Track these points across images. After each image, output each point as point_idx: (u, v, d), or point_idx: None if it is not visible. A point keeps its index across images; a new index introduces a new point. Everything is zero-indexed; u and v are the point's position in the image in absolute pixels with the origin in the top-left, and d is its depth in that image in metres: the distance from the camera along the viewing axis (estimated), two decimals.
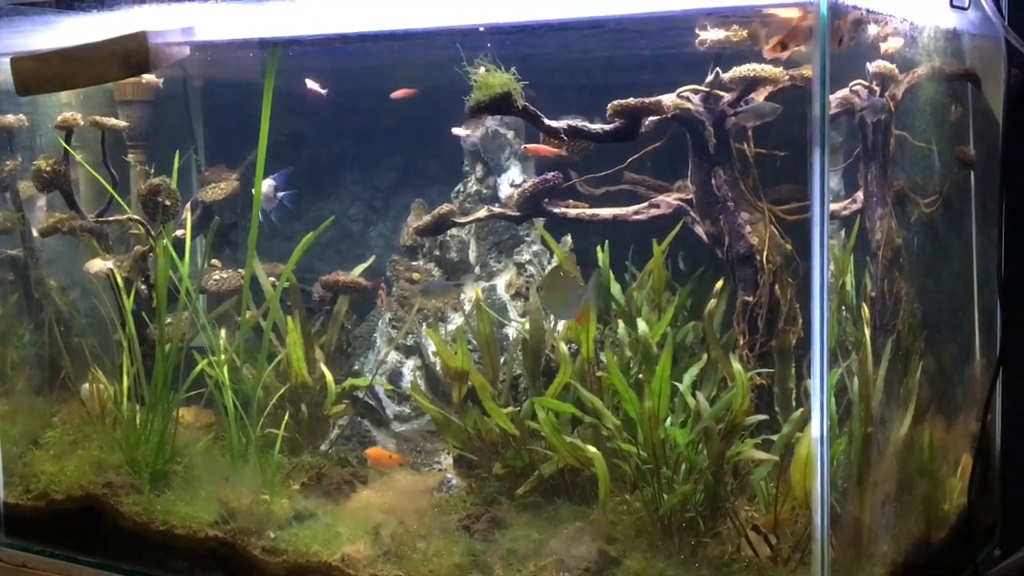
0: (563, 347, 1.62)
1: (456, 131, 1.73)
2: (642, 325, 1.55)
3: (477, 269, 1.90)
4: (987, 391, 1.65)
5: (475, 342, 1.75)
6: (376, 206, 2.11)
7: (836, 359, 1.34)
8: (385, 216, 2.09)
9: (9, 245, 2.03)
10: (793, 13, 1.29)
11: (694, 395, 1.46)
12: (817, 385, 1.23)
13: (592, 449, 1.48)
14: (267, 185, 1.90)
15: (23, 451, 1.96)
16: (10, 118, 1.96)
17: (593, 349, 1.60)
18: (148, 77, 1.94)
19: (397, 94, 1.79)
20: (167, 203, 1.88)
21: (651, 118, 1.51)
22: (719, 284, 1.55)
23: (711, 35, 1.47)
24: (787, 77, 1.42)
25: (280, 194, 1.90)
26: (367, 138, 2.07)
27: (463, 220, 1.74)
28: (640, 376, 1.54)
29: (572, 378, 1.59)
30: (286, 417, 1.81)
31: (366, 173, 2.11)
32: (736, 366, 1.44)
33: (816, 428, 1.24)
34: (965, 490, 1.60)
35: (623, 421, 1.52)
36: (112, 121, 1.94)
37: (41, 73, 1.79)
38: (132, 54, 1.69)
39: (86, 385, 1.99)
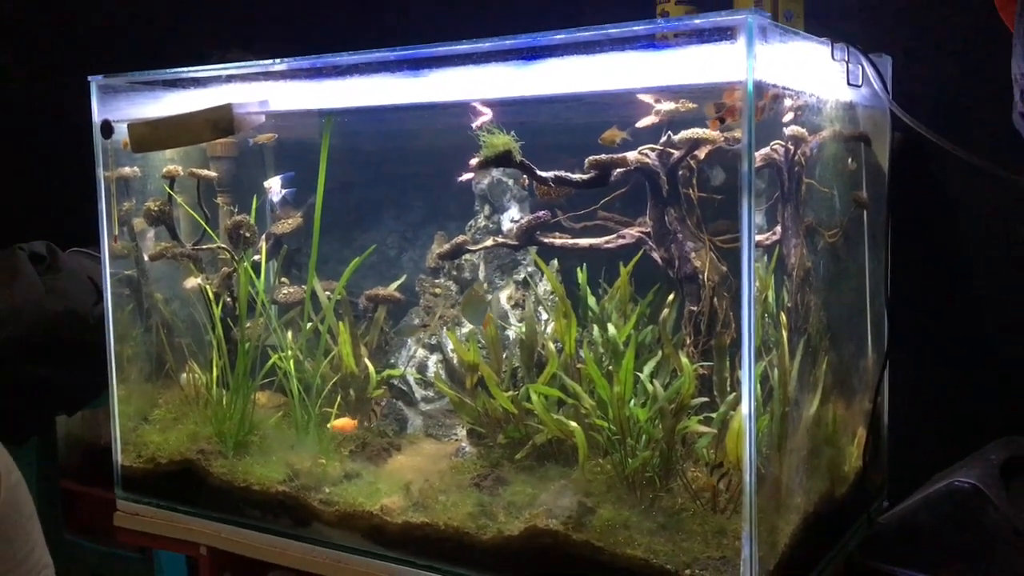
0: (551, 345, 1.61)
1: (461, 178, 1.72)
2: (611, 329, 1.55)
3: (485, 285, 1.88)
4: (877, 379, 1.64)
5: (483, 341, 1.74)
6: (408, 237, 2.09)
7: (761, 354, 1.33)
8: (415, 244, 2.07)
9: (126, 267, 2.00)
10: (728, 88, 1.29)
11: (652, 382, 1.45)
12: (746, 374, 1.22)
13: (573, 424, 1.47)
14: (274, 182, 1.91)
15: (136, 426, 1.94)
16: (127, 170, 1.93)
17: (574, 347, 1.59)
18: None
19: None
20: (247, 235, 1.88)
21: (618, 170, 1.50)
22: (671, 297, 1.54)
23: (664, 106, 1.47)
24: (723, 139, 1.42)
25: (284, 190, 1.92)
26: (401, 185, 2.06)
27: (475, 248, 1.73)
28: (610, 368, 1.53)
29: (558, 369, 1.59)
30: (338, 399, 1.80)
31: (400, 211, 2.09)
32: (684, 360, 1.43)
33: (745, 407, 1.23)
34: (861, 456, 1.59)
35: (597, 402, 1.50)
36: (205, 172, 1.93)
37: (151, 136, 1.79)
38: (221, 121, 1.69)
39: (184, 374, 1.98)
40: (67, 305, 2.09)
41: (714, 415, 1.40)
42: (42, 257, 2.13)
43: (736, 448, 1.29)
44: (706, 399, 1.43)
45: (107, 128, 1.84)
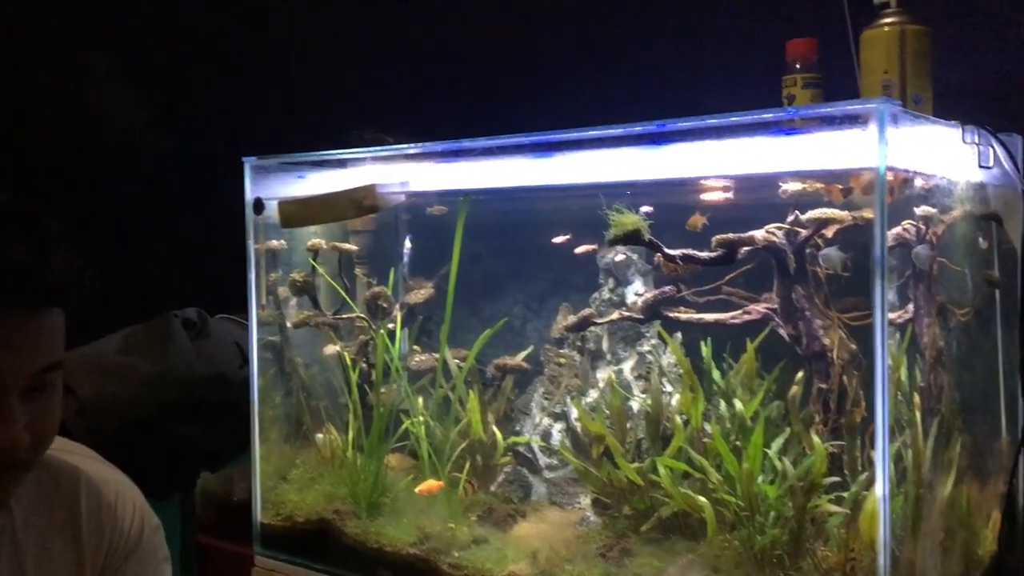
0: (677, 419, 1.62)
1: (577, 251, 1.77)
2: (738, 404, 1.55)
3: (608, 356, 1.91)
4: (1012, 461, 1.59)
5: (607, 412, 1.76)
6: (532, 308, 2.13)
7: (894, 434, 1.32)
8: (539, 315, 2.12)
9: (270, 333, 2.10)
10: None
11: (781, 459, 1.44)
12: (880, 455, 1.21)
13: (702, 499, 1.47)
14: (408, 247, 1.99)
15: (275, 484, 2.02)
16: (275, 243, 2.04)
17: (700, 421, 1.60)
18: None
19: (558, 240, 1.82)
20: (384, 305, 1.96)
21: (745, 248, 1.52)
22: (799, 374, 1.53)
23: (791, 187, 1.48)
24: (851, 218, 1.42)
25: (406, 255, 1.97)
26: (526, 258, 2.11)
27: (601, 321, 1.76)
28: (737, 443, 1.53)
29: (684, 443, 1.59)
30: (467, 465, 1.84)
31: (525, 283, 2.14)
32: (814, 438, 1.42)
33: (879, 488, 1.21)
34: (996, 539, 1.54)
35: (724, 477, 1.51)
36: (346, 246, 2.03)
37: (299, 213, 1.90)
38: (364, 200, 1.78)
39: (320, 435, 2.06)
40: (215, 368, 2.21)
41: (846, 495, 1.38)
42: (193, 323, 2.27)
43: (870, 529, 1.26)
44: (837, 478, 1.41)
45: (259, 205, 1.96)
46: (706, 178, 1.53)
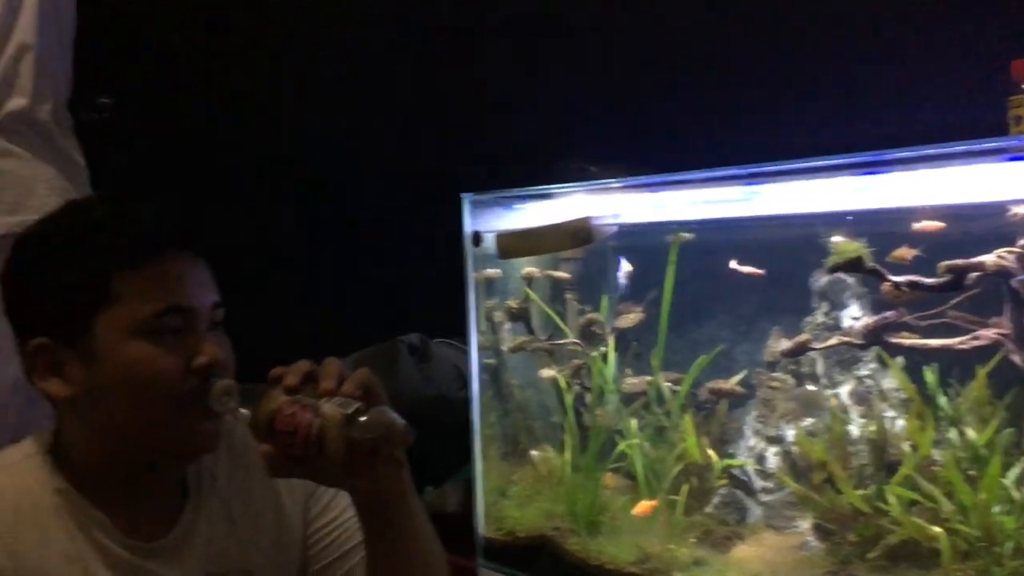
0: (904, 446, 1.60)
1: (738, 268, 1.81)
2: (971, 432, 1.51)
3: (824, 380, 1.90)
4: None
5: (827, 437, 1.75)
6: (740, 330, 2.14)
7: None
8: (748, 338, 2.12)
9: (487, 357, 2.21)
10: None
11: (1020, 489, 1.40)
12: None
13: (937, 528, 1.45)
14: (624, 272, 2.02)
15: (495, 500, 2.13)
16: (491, 272, 2.15)
17: (930, 448, 1.57)
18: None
19: (741, 269, 1.85)
20: (598, 331, 2.03)
21: (974, 273, 1.49)
22: None
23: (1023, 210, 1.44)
24: None
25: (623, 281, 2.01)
26: (733, 281, 2.12)
27: (819, 346, 1.76)
28: (969, 472, 1.49)
29: (912, 470, 1.57)
30: (684, 487, 1.88)
31: (733, 305, 2.15)
32: None
33: None
34: None
35: (957, 507, 1.48)
36: (559, 273, 2.12)
37: (516, 244, 2.01)
38: (580, 232, 1.87)
39: (535, 453, 2.15)
40: (437, 390, 2.36)
41: None
42: (416, 347, 2.43)
43: None
44: None
45: (477, 238, 2.09)
46: (922, 208, 1.51)
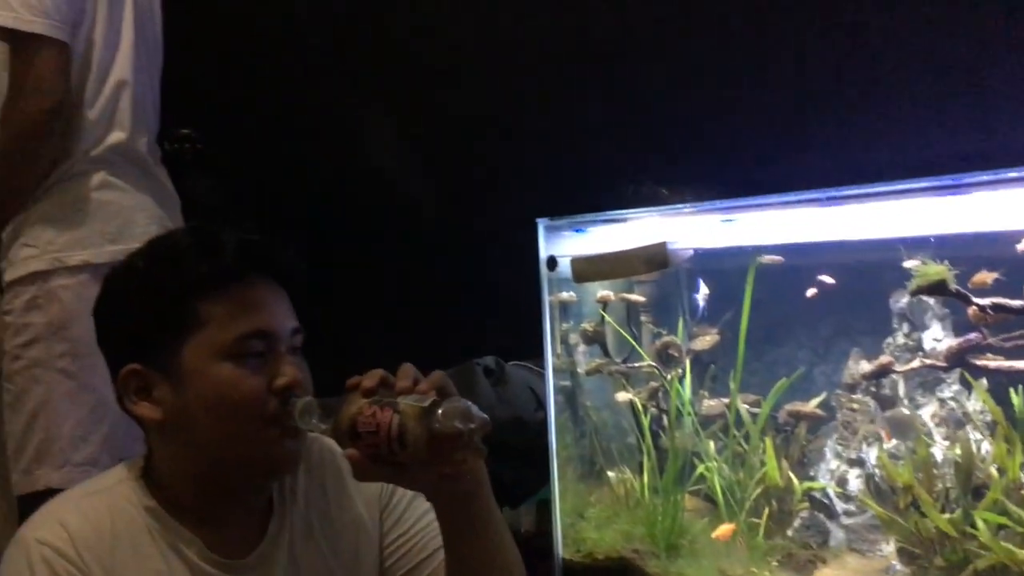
0: (992, 470, 1.58)
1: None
2: None
3: (905, 402, 1.88)
4: None
5: (912, 460, 1.74)
6: (819, 352, 2.13)
7: None
8: (826, 359, 2.11)
9: (562, 379, 2.23)
10: None
11: None
12: None
13: None
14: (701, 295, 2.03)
15: (573, 522, 2.15)
16: (565, 295, 2.18)
17: (1018, 472, 1.55)
18: None
19: (811, 293, 1.86)
20: (674, 354, 2.05)
21: None
22: None
23: None
24: None
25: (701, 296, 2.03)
26: (809, 302, 2.11)
27: (901, 369, 1.75)
28: None
29: (1000, 494, 1.55)
30: (765, 510, 1.87)
31: (810, 327, 2.14)
32: None
33: None
34: None
35: None
36: (634, 297, 2.14)
37: (591, 269, 2.03)
38: (656, 257, 1.88)
39: (613, 475, 2.16)
40: (513, 412, 2.38)
41: None
42: (492, 370, 2.46)
43: None
44: None
45: (552, 262, 2.12)
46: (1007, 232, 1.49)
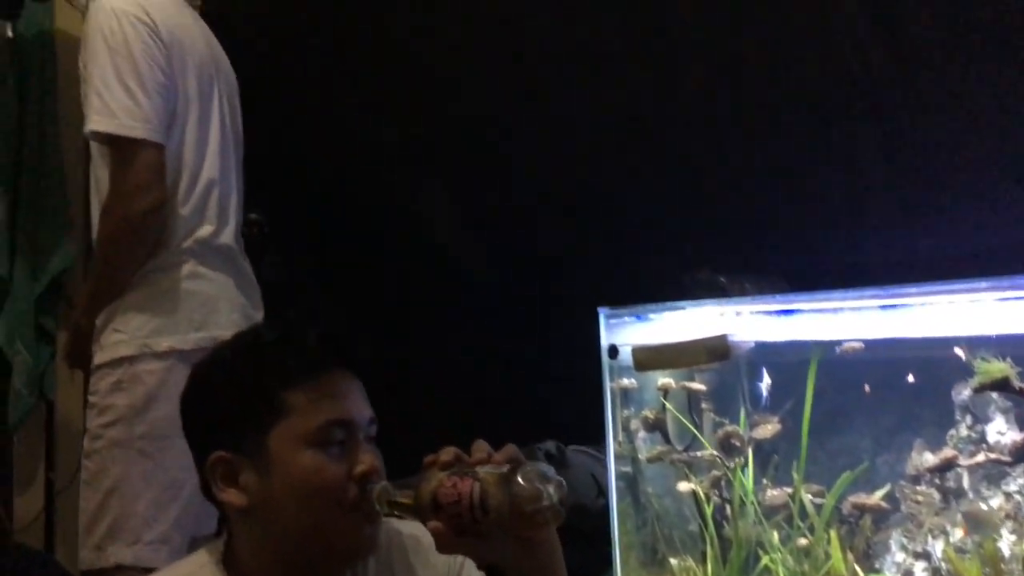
0: None
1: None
2: None
3: (971, 495, 1.88)
4: None
5: (979, 554, 1.73)
6: (882, 442, 2.14)
7: None
8: (888, 450, 2.12)
9: (623, 466, 2.26)
10: None
11: None
12: None
13: None
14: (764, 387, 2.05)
15: None
16: (627, 382, 2.21)
17: None
18: None
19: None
20: (737, 443, 2.07)
21: None
22: None
23: None
24: None
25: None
26: (872, 392, 2.13)
27: (965, 463, 1.76)
28: None
29: None
30: None
31: (870, 417, 2.16)
32: None
33: None
34: None
35: None
36: (695, 385, 2.16)
37: (653, 358, 2.08)
38: (718, 349, 1.93)
39: (675, 562, 2.17)
40: (574, 498, 2.39)
41: None
42: (553, 455, 2.50)
43: None
44: None
45: (613, 351, 2.17)
46: None
